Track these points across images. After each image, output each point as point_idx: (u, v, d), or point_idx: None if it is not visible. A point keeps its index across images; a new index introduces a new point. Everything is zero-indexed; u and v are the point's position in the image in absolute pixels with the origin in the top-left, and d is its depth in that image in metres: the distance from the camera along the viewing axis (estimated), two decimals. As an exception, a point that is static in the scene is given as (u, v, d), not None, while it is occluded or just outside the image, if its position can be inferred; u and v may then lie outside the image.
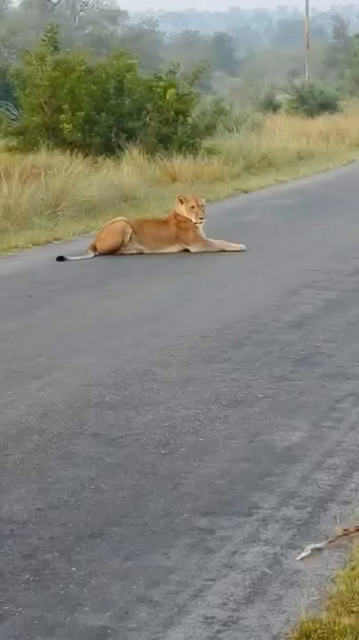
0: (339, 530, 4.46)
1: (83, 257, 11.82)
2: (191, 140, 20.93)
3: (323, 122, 31.76)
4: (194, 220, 12.01)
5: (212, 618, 3.81)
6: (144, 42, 64.55)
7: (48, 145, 19.19)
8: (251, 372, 6.96)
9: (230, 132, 24.29)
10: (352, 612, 3.76)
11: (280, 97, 41.79)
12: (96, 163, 18.51)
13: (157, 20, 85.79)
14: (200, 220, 12.03)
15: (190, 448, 5.53)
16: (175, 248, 12.11)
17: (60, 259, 11.65)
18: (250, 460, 5.35)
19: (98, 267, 11.43)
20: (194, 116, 21.69)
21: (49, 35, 21.43)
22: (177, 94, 20.82)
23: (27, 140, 20.25)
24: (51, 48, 21.17)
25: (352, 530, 4.45)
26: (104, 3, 79.69)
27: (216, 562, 4.25)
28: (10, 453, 5.50)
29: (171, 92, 20.61)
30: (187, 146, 20.57)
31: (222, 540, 4.44)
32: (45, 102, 20.36)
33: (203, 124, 21.98)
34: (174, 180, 19.04)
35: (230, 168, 20.69)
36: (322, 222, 14.42)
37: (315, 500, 4.87)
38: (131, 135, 20.06)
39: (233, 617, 3.82)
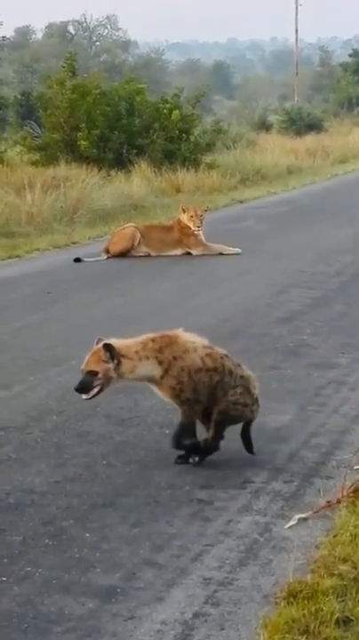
0: (322, 502, 4.45)
1: (97, 258, 11.81)
2: (193, 156, 20.95)
3: (309, 140, 31.71)
4: (192, 228, 12.01)
5: (210, 579, 3.80)
6: (152, 68, 64.53)
7: (67, 159, 19.22)
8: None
9: (228, 148, 24.29)
10: (333, 574, 3.75)
11: (272, 118, 41.79)
12: (109, 175, 18.52)
13: (164, 50, 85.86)
14: (197, 228, 12.02)
15: (191, 428, 5.50)
16: (178, 251, 12.10)
17: (77, 260, 11.64)
18: (244, 440, 5.33)
19: (110, 267, 11.41)
20: (196, 134, 21.73)
21: (68, 62, 21.52)
22: (181, 115, 20.87)
23: (48, 155, 20.27)
24: (70, 74, 21.25)
25: (334, 502, 4.44)
26: (117, 34, 79.81)
27: (213, 529, 4.24)
28: (31, 432, 5.49)
29: (175, 113, 20.63)
30: (190, 161, 20.59)
31: (219, 510, 4.42)
32: (64, 121, 20.37)
33: (204, 141, 22.01)
34: (178, 191, 19.04)
35: (227, 181, 20.69)
36: (308, 229, 14.38)
37: (302, 475, 4.86)
38: (140, 151, 20.07)
39: (228, 578, 3.81)
